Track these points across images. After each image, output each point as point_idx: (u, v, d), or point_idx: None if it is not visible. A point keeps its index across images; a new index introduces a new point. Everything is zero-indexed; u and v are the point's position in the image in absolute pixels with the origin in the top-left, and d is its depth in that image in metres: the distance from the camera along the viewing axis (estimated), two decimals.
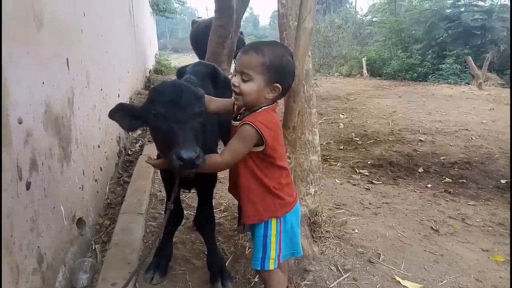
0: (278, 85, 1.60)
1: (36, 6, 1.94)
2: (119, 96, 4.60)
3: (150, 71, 10.40)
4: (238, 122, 1.65)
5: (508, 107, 7.73)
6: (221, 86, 2.36)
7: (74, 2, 2.79)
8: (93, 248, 2.49)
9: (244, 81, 1.59)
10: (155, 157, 3.99)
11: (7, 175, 1.52)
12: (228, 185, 1.90)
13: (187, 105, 1.58)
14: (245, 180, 1.71)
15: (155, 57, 14.13)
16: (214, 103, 1.86)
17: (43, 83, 1.97)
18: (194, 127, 1.59)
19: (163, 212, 2.97)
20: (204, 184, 2.10)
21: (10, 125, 1.57)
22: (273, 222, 1.72)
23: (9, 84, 1.56)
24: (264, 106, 1.65)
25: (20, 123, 1.65)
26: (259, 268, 1.75)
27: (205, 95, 1.83)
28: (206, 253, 2.33)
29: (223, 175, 3.52)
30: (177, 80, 1.80)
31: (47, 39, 2.09)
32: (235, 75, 1.64)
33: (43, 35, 2.03)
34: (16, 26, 1.71)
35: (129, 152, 4.48)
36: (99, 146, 3.19)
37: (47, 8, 2.08)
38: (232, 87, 1.62)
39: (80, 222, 2.45)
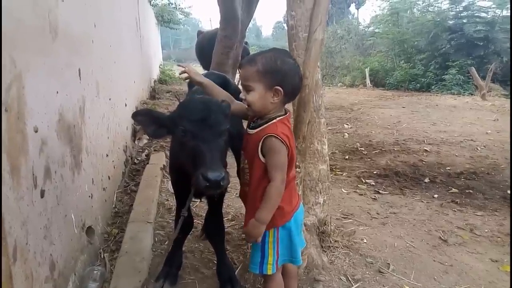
0: (278, 87, 1.63)
1: (51, 17, 1.98)
2: (126, 105, 4.64)
3: (155, 81, 10.48)
4: (254, 131, 1.70)
5: None
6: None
7: (86, 14, 2.84)
8: (102, 256, 2.50)
9: (247, 92, 1.67)
10: (163, 165, 4.01)
11: (23, 183, 1.53)
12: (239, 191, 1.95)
13: (215, 124, 1.63)
14: (254, 190, 1.72)
15: (159, 67, 14.25)
16: (232, 105, 1.90)
17: (57, 92, 2.00)
18: (220, 145, 1.63)
19: (171, 221, 2.98)
20: None
21: (27, 133, 1.59)
22: (271, 231, 1.74)
23: (26, 93, 1.59)
24: (278, 116, 1.69)
25: (36, 131, 1.68)
26: (257, 272, 1.78)
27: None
28: (215, 262, 2.34)
29: (230, 184, 3.53)
30: (205, 96, 1.84)
31: (61, 50, 2.13)
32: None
33: (57, 46, 2.06)
34: (33, 37, 1.75)
35: (136, 161, 4.50)
36: (107, 155, 3.22)
37: (61, 19, 2.12)
38: (243, 101, 1.70)
39: (89, 231, 2.45)
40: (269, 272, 1.74)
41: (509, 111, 8.45)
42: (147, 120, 1.74)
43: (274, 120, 1.68)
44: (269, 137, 1.62)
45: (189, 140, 1.61)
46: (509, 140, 5.94)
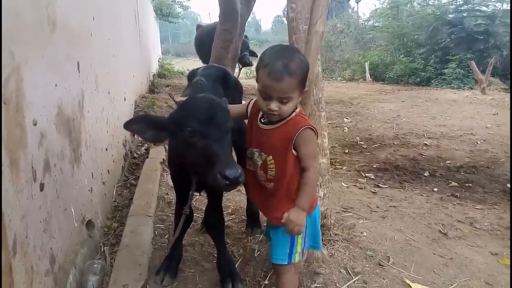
0: (306, 88, 1.67)
1: (49, 9, 1.96)
2: (125, 99, 4.62)
3: (154, 75, 10.45)
4: (273, 126, 1.70)
5: None
6: (231, 89, 2.37)
7: (85, 7, 2.82)
8: (102, 250, 2.50)
9: (283, 103, 1.60)
10: (162, 159, 4.00)
11: (22, 176, 1.53)
12: (250, 191, 1.95)
13: (223, 121, 1.62)
14: (288, 184, 1.73)
15: (158, 61, 14.19)
16: (229, 110, 1.87)
17: (55, 85, 1.99)
18: (229, 143, 1.64)
19: (171, 215, 2.98)
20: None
21: (26, 126, 1.58)
22: None
23: (25, 86, 1.57)
24: (296, 110, 1.71)
25: (35, 124, 1.67)
26: (285, 263, 1.78)
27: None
28: (215, 255, 2.34)
29: None
30: (207, 95, 1.78)
31: (59, 43, 2.11)
32: (266, 99, 1.61)
33: (56, 38, 2.04)
34: (32, 29, 1.73)
35: (135, 155, 4.49)
36: (106, 149, 3.21)
37: (59, 12, 2.10)
38: (269, 113, 1.63)
39: (89, 224, 2.45)
40: (297, 260, 1.79)
41: (509, 105, 8.45)
42: (143, 127, 1.70)
43: (295, 114, 1.69)
44: (306, 129, 1.65)
45: (199, 140, 1.59)
46: (508, 134, 5.95)
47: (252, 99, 1.89)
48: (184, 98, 1.88)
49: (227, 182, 1.49)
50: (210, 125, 1.59)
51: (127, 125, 1.69)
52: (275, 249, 1.81)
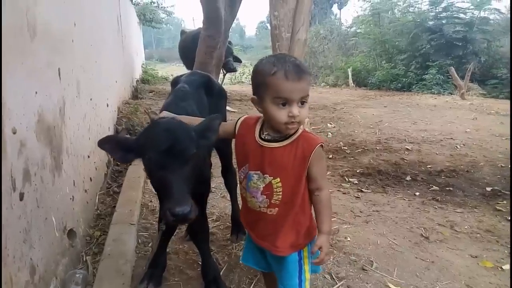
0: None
1: (29, 15, 1.93)
2: (107, 105, 4.57)
3: (137, 81, 10.36)
4: (276, 144, 1.54)
5: (491, 117, 7.96)
6: (215, 96, 2.37)
7: (66, 12, 2.78)
8: (84, 259, 2.46)
9: (302, 106, 1.47)
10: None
11: (1, 186, 1.50)
12: (242, 217, 1.81)
13: (181, 152, 1.55)
14: (301, 206, 1.61)
15: (142, 66, 14.09)
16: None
17: (36, 92, 1.96)
18: (188, 173, 1.57)
19: (154, 223, 2.95)
20: (198, 194, 2.10)
21: (5, 135, 1.55)
22: (307, 247, 1.69)
23: (4, 94, 1.54)
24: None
25: (14, 133, 1.64)
26: None
27: None
28: (199, 263, 2.33)
29: (215, 185, 3.53)
30: (170, 120, 1.70)
31: (40, 49, 2.08)
32: (285, 105, 1.45)
33: (36, 45, 2.02)
34: (11, 36, 1.70)
35: (118, 162, 4.44)
36: (88, 156, 3.16)
37: (40, 18, 2.07)
38: (290, 122, 1.47)
39: (70, 233, 2.41)
40: (308, 287, 1.68)
41: (487, 110, 8.67)
42: (113, 147, 1.67)
43: (301, 128, 1.54)
44: (320, 146, 1.53)
45: (155, 170, 1.56)
46: (487, 138, 6.10)
47: (241, 117, 1.72)
48: (162, 115, 1.85)
49: (174, 219, 1.47)
50: (167, 156, 1.52)
51: (100, 144, 1.67)
52: (285, 281, 1.66)
